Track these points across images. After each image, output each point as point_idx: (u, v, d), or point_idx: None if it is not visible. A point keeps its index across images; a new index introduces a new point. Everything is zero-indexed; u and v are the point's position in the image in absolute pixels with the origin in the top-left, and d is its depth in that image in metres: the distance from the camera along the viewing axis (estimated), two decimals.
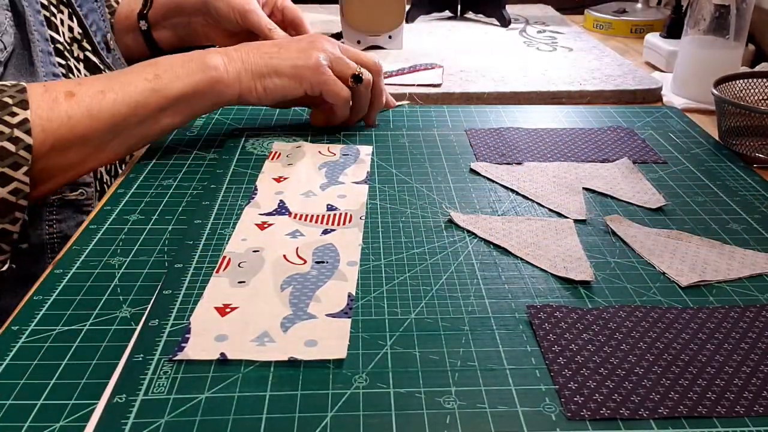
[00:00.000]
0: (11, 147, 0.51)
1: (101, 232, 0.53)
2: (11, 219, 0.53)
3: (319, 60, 0.65)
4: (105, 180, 0.71)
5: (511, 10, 1.22)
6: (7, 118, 0.52)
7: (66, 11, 0.72)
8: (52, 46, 0.67)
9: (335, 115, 0.70)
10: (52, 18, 0.69)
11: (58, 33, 0.69)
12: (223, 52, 0.64)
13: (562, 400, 0.36)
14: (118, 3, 0.90)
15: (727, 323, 0.42)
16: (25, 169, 0.52)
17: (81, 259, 0.49)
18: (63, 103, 0.55)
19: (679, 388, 0.37)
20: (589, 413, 0.35)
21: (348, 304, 0.44)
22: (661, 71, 0.95)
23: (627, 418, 0.35)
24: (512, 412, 0.36)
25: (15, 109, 0.52)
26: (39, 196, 0.57)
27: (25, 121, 0.52)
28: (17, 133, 0.52)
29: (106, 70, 0.76)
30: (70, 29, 0.72)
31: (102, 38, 0.78)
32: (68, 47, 0.71)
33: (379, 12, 0.99)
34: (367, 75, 0.68)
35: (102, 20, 0.80)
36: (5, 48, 0.62)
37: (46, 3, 0.68)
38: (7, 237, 0.54)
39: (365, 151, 0.67)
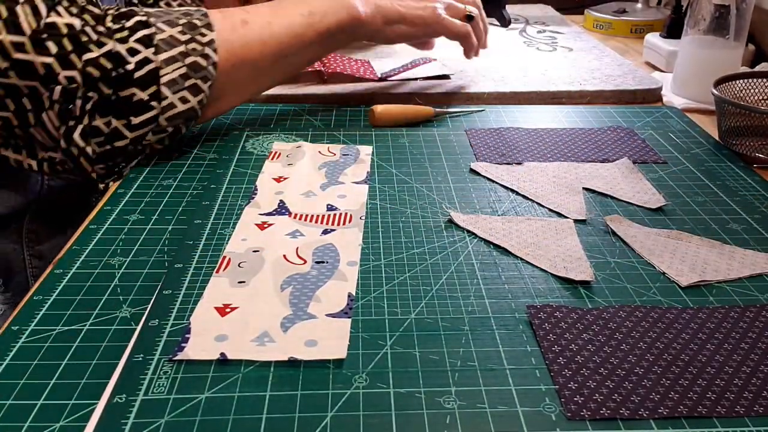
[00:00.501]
0: (203, 62, 0.61)
1: (101, 232, 0.53)
2: (190, 125, 0.63)
3: (437, 10, 0.76)
4: None
5: (511, 10, 1.22)
6: (198, 37, 0.61)
7: None
8: None
9: (466, 47, 0.81)
10: None
11: None
12: None
13: (562, 400, 0.36)
14: None
15: (727, 323, 0.42)
16: (210, 83, 0.62)
17: (81, 259, 0.49)
18: (239, 29, 0.64)
19: (679, 388, 0.37)
20: (589, 413, 0.35)
21: (348, 304, 0.44)
22: (661, 71, 0.95)
23: (627, 418, 0.35)
24: (512, 412, 0.36)
25: (204, 30, 0.61)
26: (208, 117, 0.66)
27: (213, 41, 0.61)
28: (207, 50, 0.61)
29: None
30: None
31: None
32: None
33: None
34: (474, 11, 0.80)
35: None
36: None
37: None
38: (177, 135, 0.63)
39: (365, 151, 0.67)
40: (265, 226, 0.53)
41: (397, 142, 0.69)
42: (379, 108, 0.72)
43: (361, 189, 0.59)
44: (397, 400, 0.36)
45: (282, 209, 0.56)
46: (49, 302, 0.44)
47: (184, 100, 0.60)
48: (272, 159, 0.65)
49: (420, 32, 0.76)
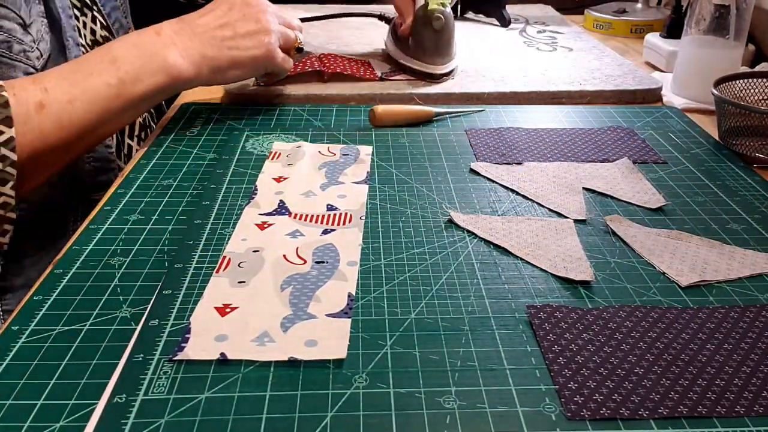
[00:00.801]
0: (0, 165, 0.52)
1: (101, 232, 0.53)
2: (1, 231, 0.54)
3: (272, 45, 0.70)
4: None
5: (511, 10, 1.22)
6: None
7: (89, 14, 0.73)
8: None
9: (273, 78, 0.78)
10: (77, 22, 0.70)
11: (81, 37, 0.70)
12: (180, 47, 0.64)
13: (562, 400, 0.36)
14: None
15: (727, 323, 0.42)
16: (11, 183, 0.52)
17: (81, 259, 0.49)
18: (35, 116, 0.55)
19: (679, 388, 0.37)
20: (589, 413, 0.35)
21: (348, 304, 0.44)
22: (661, 71, 0.95)
23: (627, 418, 0.35)
24: (512, 412, 0.36)
25: (1, 127, 0.52)
26: (18, 200, 0.56)
27: (12, 139, 0.52)
28: (4, 151, 0.52)
29: None
30: (92, 32, 0.73)
31: (125, 34, 0.80)
32: (90, 50, 0.72)
33: None
34: (302, 38, 0.76)
35: (124, 17, 0.81)
36: (41, 55, 0.64)
37: (72, 6, 0.69)
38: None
39: (365, 151, 0.67)
40: (265, 226, 0.53)
41: (397, 142, 0.69)
42: (379, 108, 0.72)
43: (361, 189, 0.59)
44: (397, 400, 0.36)
45: (282, 209, 0.56)
46: (49, 302, 0.44)
47: None
48: (272, 159, 0.65)
49: (253, 73, 0.73)
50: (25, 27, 0.62)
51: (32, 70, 0.63)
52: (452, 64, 0.85)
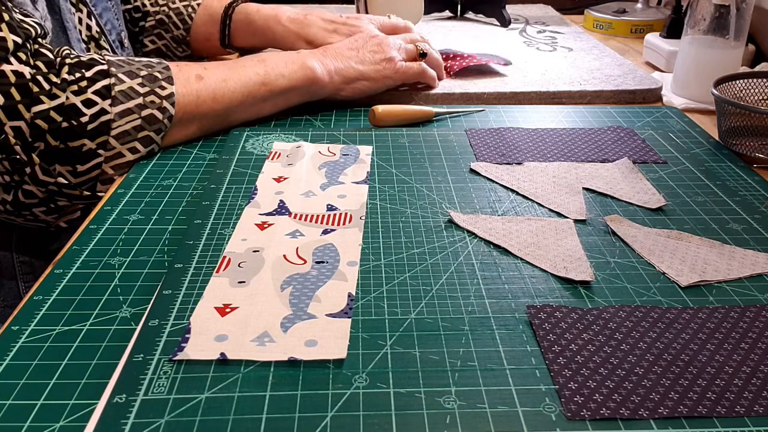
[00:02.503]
0: (159, 115, 0.62)
1: (101, 232, 0.53)
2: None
3: (394, 61, 0.78)
4: None
5: (511, 10, 1.22)
6: (157, 90, 0.62)
7: (85, 10, 0.76)
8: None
9: (426, 82, 0.82)
10: (73, 15, 0.72)
11: (77, 31, 0.73)
12: (319, 56, 0.74)
13: (562, 400, 0.36)
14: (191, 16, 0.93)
15: (727, 323, 0.42)
16: (163, 134, 0.64)
17: (81, 259, 0.49)
18: (194, 83, 0.65)
19: (679, 388, 0.37)
20: (589, 413, 0.35)
21: (348, 304, 0.44)
22: (661, 71, 0.95)
23: (627, 418, 0.35)
24: (512, 412, 0.36)
25: (164, 83, 0.63)
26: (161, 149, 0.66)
27: (172, 94, 0.63)
28: (165, 104, 0.62)
29: None
30: (88, 28, 0.76)
31: (117, 36, 0.82)
32: (86, 45, 0.75)
33: (400, 7, 1.04)
34: (426, 47, 0.82)
35: (116, 19, 0.83)
36: (48, 33, 0.66)
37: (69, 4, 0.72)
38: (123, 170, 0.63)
39: (365, 151, 0.67)
40: (265, 226, 0.53)
41: (397, 142, 0.69)
42: (379, 108, 0.72)
43: (361, 189, 0.59)
44: (397, 400, 0.36)
45: (282, 209, 0.56)
46: (49, 302, 0.44)
47: (133, 151, 0.62)
48: (272, 159, 0.65)
49: (381, 86, 0.78)
50: (33, 2, 0.65)
51: None
52: None
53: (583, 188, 0.60)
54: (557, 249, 0.50)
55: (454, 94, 0.82)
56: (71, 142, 0.58)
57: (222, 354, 0.39)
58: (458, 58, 0.89)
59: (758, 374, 0.38)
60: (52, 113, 0.56)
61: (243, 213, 0.55)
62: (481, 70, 0.90)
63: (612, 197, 0.59)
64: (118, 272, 0.48)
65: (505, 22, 1.15)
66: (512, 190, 0.60)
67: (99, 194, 0.62)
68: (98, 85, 0.59)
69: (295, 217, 0.54)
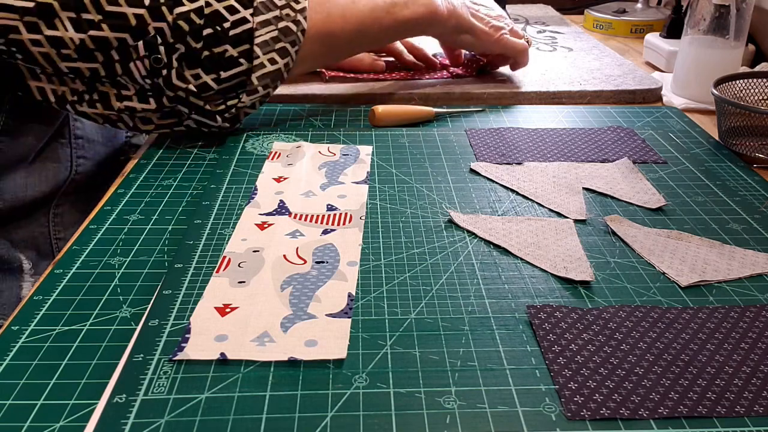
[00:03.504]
0: (294, 27, 0.64)
1: (101, 232, 0.53)
2: (274, 87, 0.66)
3: (502, 32, 0.81)
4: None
5: (511, 10, 1.22)
6: (293, 3, 0.64)
7: None
8: None
9: (518, 62, 0.85)
10: None
11: None
12: None
13: (562, 400, 0.36)
14: None
15: (727, 323, 0.42)
16: (297, 48, 0.65)
17: (81, 259, 0.49)
18: (325, 2, 0.67)
19: (679, 388, 0.37)
20: (589, 413, 0.35)
21: (348, 304, 0.44)
22: (661, 71, 0.95)
23: (627, 418, 0.35)
24: (512, 412, 0.36)
25: None
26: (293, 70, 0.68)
27: (305, 9, 0.65)
28: (299, 17, 0.65)
29: None
30: None
31: None
32: None
33: None
34: (530, 38, 0.87)
35: None
36: None
37: None
38: (266, 99, 0.67)
39: (365, 151, 0.67)
40: (265, 226, 0.53)
41: (397, 142, 0.69)
42: (379, 108, 0.72)
43: (361, 189, 0.59)
44: (397, 400, 0.36)
45: (282, 209, 0.56)
46: (49, 302, 0.44)
47: (272, 62, 0.64)
48: (272, 159, 0.65)
49: (481, 47, 0.81)
50: None
51: None
52: None
53: (583, 188, 0.60)
54: (557, 249, 0.50)
55: (454, 94, 0.82)
56: (215, 47, 0.60)
57: (222, 354, 0.39)
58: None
59: (758, 374, 0.38)
60: (192, 15, 0.59)
61: (243, 213, 0.55)
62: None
63: (612, 197, 0.59)
64: (118, 272, 0.48)
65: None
66: (512, 190, 0.60)
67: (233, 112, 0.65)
68: None
69: (295, 217, 0.54)
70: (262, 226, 0.53)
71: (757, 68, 0.88)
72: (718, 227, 0.54)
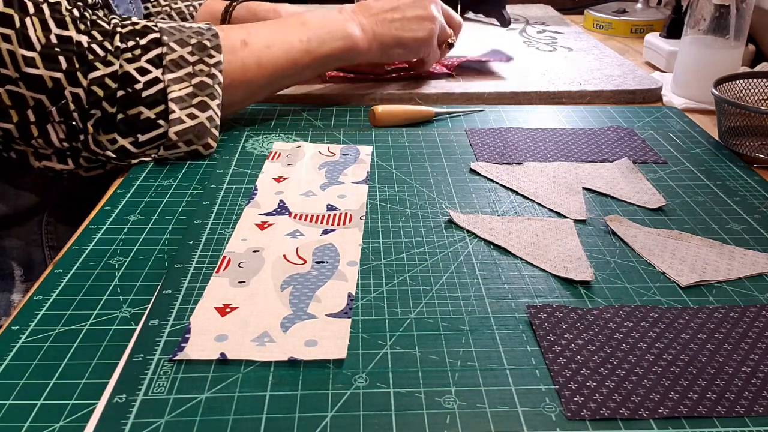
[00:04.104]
0: (209, 81, 0.63)
1: (101, 232, 0.53)
2: (204, 144, 0.64)
3: (433, 32, 0.77)
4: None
5: (511, 10, 1.22)
6: (206, 58, 0.63)
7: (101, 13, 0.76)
8: None
9: (418, 70, 0.84)
10: None
11: None
12: (357, 22, 0.74)
13: (562, 400, 0.36)
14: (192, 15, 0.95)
15: (727, 323, 0.42)
16: (218, 101, 0.64)
17: (81, 259, 0.49)
18: (239, 50, 0.66)
19: (679, 388, 0.37)
20: (589, 413, 0.35)
21: (348, 304, 0.44)
22: (661, 71, 0.95)
23: (627, 418, 0.35)
24: (512, 412, 0.36)
25: (212, 52, 0.64)
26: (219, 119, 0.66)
27: (220, 62, 0.64)
28: (214, 71, 0.63)
29: None
30: None
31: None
32: None
33: None
34: (455, 40, 0.83)
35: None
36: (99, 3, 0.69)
37: None
38: (199, 157, 0.65)
39: (365, 151, 0.67)
40: (265, 226, 0.53)
41: (397, 142, 0.69)
42: (379, 108, 0.72)
43: (361, 189, 0.59)
44: (397, 400, 0.36)
45: (282, 209, 0.56)
46: (49, 302, 0.44)
47: (192, 116, 0.62)
48: (272, 159, 0.65)
49: (413, 55, 0.79)
50: None
51: None
52: None
53: (583, 188, 0.60)
54: (557, 249, 0.50)
55: (454, 94, 0.82)
56: (129, 110, 0.59)
57: (222, 354, 0.39)
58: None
59: (758, 374, 0.38)
60: (107, 80, 0.58)
61: (243, 213, 0.55)
62: (481, 71, 0.90)
63: (612, 197, 0.59)
64: (118, 272, 0.48)
65: (505, 22, 1.15)
66: (512, 190, 0.60)
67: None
68: (151, 54, 0.60)
69: (295, 217, 0.54)
70: (262, 226, 0.53)
71: (757, 68, 0.88)
72: (718, 227, 0.54)
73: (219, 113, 0.64)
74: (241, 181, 0.61)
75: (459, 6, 1.22)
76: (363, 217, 0.55)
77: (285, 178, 0.61)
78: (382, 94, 0.81)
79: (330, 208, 0.56)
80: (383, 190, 0.60)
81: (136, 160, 0.62)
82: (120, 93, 0.58)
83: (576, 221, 0.55)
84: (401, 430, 0.35)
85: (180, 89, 0.61)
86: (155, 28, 0.62)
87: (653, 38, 0.99)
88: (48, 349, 0.40)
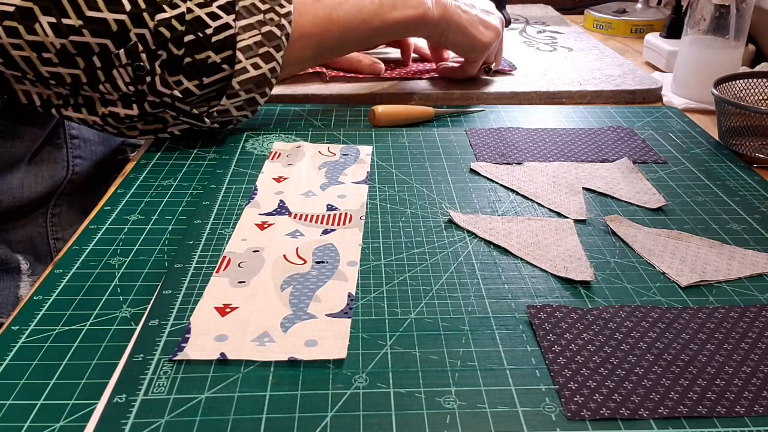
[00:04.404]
0: (278, 32, 0.63)
1: (101, 232, 0.53)
2: (262, 92, 0.65)
3: (492, 43, 0.79)
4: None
5: (511, 10, 1.22)
6: (277, 8, 0.64)
7: None
8: None
9: (456, 74, 0.84)
10: None
11: None
12: None
13: (562, 400, 0.36)
14: None
15: (727, 323, 0.42)
16: (282, 52, 0.64)
17: (81, 259, 0.49)
18: (312, 4, 0.67)
19: (679, 388, 0.37)
20: (589, 413, 0.35)
21: (348, 304, 0.44)
22: (661, 71, 0.95)
23: (627, 418, 0.35)
24: (512, 412, 0.36)
25: (283, 2, 0.64)
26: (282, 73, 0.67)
27: (290, 13, 0.64)
28: (283, 21, 0.64)
29: None
30: None
31: None
32: None
33: None
34: (494, 67, 0.85)
35: None
36: None
37: None
38: (254, 105, 0.66)
39: (365, 151, 0.67)
40: (265, 226, 0.53)
41: (397, 142, 0.69)
42: (379, 108, 0.72)
43: (361, 189, 0.59)
44: (397, 400, 0.36)
45: (282, 209, 0.56)
46: (49, 302, 0.44)
47: (256, 66, 0.63)
48: (272, 159, 0.65)
49: (467, 52, 0.79)
50: None
51: None
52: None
53: (583, 188, 0.60)
54: (557, 249, 0.50)
55: (454, 94, 0.82)
56: (198, 54, 0.60)
57: (222, 354, 0.39)
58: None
59: (758, 374, 0.38)
60: (174, 21, 0.58)
61: (243, 213, 0.55)
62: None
63: (612, 197, 0.59)
64: (118, 272, 0.48)
65: (505, 22, 1.15)
66: (512, 190, 0.60)
67: (214, 115, 0.64)
68: (222, 0, 0.60)
69: (295, 217, 0.54)
70: (262, 226, 0.53)
71: (757, 68, 0.88)
72: (718, 227, 0.54)
73: (281, 63, 0.65)
74: (241, 181, 0.61)
75: None
76: (363, 217, 0.55)
77: (285, 178, 0.61)
78: (382, 94, 0.81)
79: (330, 208, 0.56)
80: (383, 190, 0.60)
81: (196, 111, 0.63)
82: (189, 37, 0.59)
83: (576, 221, 0.55)
84: (401, 430, 0.35)
85: (249, 37, 0.62)
86: None
87: (653, 38, 0.99)
88: (48, 349, 0.40)
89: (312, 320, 0.42)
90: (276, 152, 0.66)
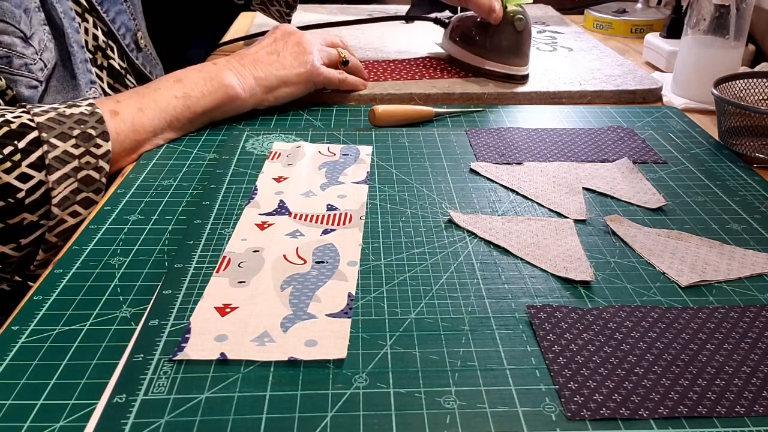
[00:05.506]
0: (96, 175, 0.58)
1: (101, 232, 0.53)
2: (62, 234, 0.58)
3: (315, 62, 0.76)
4: None
5: None
6: (93, 149, 0.58)
7: (91, 19, 0.76)
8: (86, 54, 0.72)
9: (348, 89, 0.81)
10: (79, 27, 0.73)
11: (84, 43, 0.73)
12: (235, 70, 0.71)
13: (562, 400, 0.36)
14: None
15: (727, 323, 0.42)
16: (102, 193, 0.59)
17: (81, 259, 0.49)
18: (111, 121, 0.61)
19: (679, 388, 0.37)
20: (589, 413, 0.35)
21: (348, 304, 0.44)
22: (661, 71, 0.95)
23: (627, 418, 0.35)
24: (512, 412, 0.36)
25: (99, 141, 0.59)
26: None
27: (108, 152, 0.59)
28: (101, 163, 0.59)
29: (129, 75, 0.82)
30: (95, 38, 0.76)
31: (132, 38, 0.83)
32: (92, 56, 0.75)
33: None
34: (348, 55, 0.81)
35: (131, 20, 0.83)
36: (45, 66, 0.66)
37: (73, 10, 0.72)
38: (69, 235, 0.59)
39: (365, 151, 0.67)
40: (265, 226, 0.53)
41: (397, 142, 0.69)
42: (379, 108, 0.72)
43: (361, 189, 0.59)
44: (397, 400, 0.36)
45: (282, 209, 0.56)
46: (49, 302, 0.44)
47: (74, 215, 0.58)
48: (272, 159, 0.65)
49: (303, 89, 0.76)
50: (26, 39, 0.65)
51: (35, 82, 0.66)
52: (530, 65, 0.86)
53: (583, 188, 0.60)
54: (557, 249, 0.50)
55: (454, 94, 0.82)
56: (11, 219, 0.54)
57: (222, 354, 0.39)
58: None
59: (758, 374, 0.38)
60: None
61: (243, 213, 0.55)
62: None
63: (612, 197, 0.59)
64: (118, 272, 0.48)
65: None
66: (512, 190, 0.60)
67: (32, 269, 0.58)
68: (32, 158, 0.54)
69: (295, 217, 0.54)
70: (262, 226, 0.53)
71: (757, 68, 0.88)
72: (718, 227, 0.54)
73: (97, 201, 0.59)
74: (241, 181, 0.61)
75: (459, 6, 1.21)
76: (363, 217, 0.55)
77: (285, 178, 0.61)
78: (382, 94, 0.81)
79: (330, 208, 0.56)
80: (383, 190, 0.60)
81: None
82: (0, 204, 0.53)
83: (576, 221, 0.55)
84: (401, 430, 0.35)
85: (64, 188, 0.56)
86: (32, 124, 0.55)
87: (653, 38, 0.99)
88: (48, 349, 0.40)
89: (312, 320, 0.42)
90: (276, 152, 0.66)
